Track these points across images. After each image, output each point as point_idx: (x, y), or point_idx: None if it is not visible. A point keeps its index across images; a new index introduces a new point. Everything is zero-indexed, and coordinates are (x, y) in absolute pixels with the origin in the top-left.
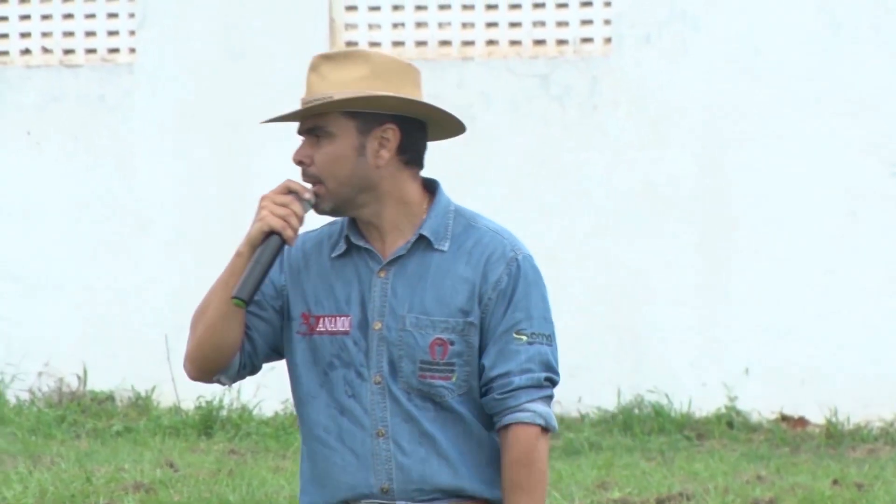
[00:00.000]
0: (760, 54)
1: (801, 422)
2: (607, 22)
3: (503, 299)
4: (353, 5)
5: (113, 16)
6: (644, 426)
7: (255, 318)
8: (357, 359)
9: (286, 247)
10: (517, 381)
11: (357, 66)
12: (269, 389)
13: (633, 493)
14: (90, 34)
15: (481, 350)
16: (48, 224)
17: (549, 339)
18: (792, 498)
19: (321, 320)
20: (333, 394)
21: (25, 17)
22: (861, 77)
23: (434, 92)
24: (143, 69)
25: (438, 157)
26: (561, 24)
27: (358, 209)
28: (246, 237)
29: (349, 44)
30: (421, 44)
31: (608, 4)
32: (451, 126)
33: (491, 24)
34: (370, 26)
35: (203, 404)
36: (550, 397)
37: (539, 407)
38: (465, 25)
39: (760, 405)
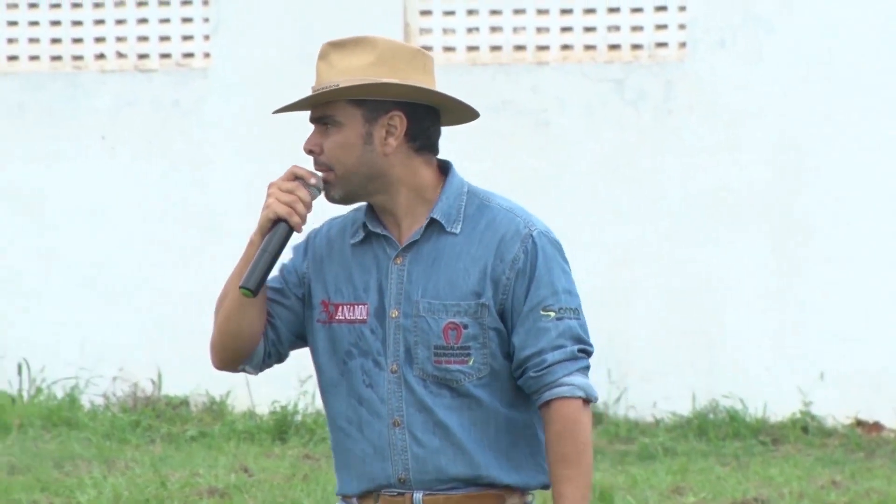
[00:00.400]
0: (834, 58)
1: (876, 427)
2: (682, 27)
3: (523, 277)
4: (428, 10)
5: (187, 20)
6: (719, 431)
7: (277, 305)
8: (374, 347)
9: (313, 234)
10: (550, 357)
11: (363, 53)
12: None
13: (708, 498)
14: (164, 39)
15: (509, 332)
16: (122, 228)
17: (577, 312)
18: (867, 503)
19: (340, 308)
20: (352, 383)
21: (100, 22)
22: None
23: (508, 97)
24: (217, 74)
25: (512, 162)
26: (636, 28)
27: (370, 196)
28: (257, 225)
29: (424, 48)
30: (496, 48)
31: (683, 9)
32: (464, 112)
33: (566, 29)
34: (444, 31)
35: (278, 409)
36: (587, 368)
37: (577, 379)
38: (539, 30)
39: (835, 410)
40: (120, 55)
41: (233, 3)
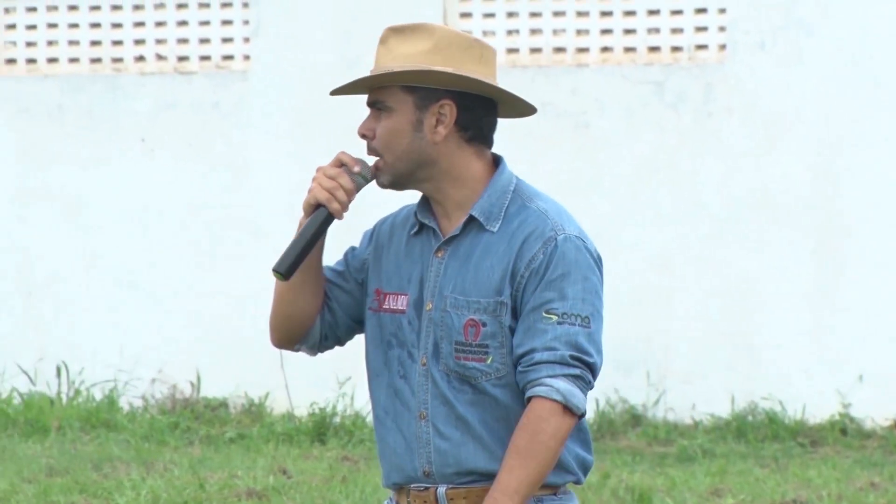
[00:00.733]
0: (874, 60)
1: None
2: (722, 29)
3: (535, 278)
4: (468, 12)
5: (227, 23)
6: (758, 433)
7: (336, 288)
8: (410, 339)
9: (381, 221)
10: (538, 356)
11: (421, 39)
12: None
13: (747, 501)
14: (204, 41)
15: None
16: (162, 231)
17: (586, 320)
18: None
19: (387, 297)
20: (391, 374)
21: (140, 25)
22: None
23: (548, 99)
24: (257, 76)
25: (552, 164)
26: (676, 30)
27: (418, 184)
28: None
29: None
30: (535, 50)
31: (723, 11)
32: (520, 106)
33: (606, 31)
34: (484, 33)
35: (316, 411)
36: (578, 377)
37: (558, 383)
38: (579, 32)
39: (874, 412)
40: (160, 57)
41: (273, 5)
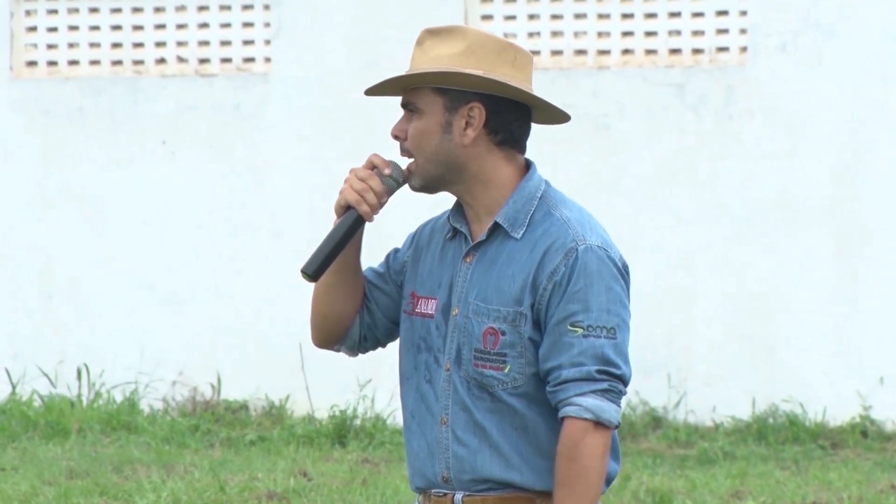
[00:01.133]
0: (895, 62)
1: None
2: (743, 31)
3: (558, 290)
4: (489, 14)
5: (248, 25)
6: (778, 435)
7: (376, 290)
8: (436, 343)
9: (423, 224)
10: (565, 373)
11: (454, 42)
12: None
13: (767, 503)
14: (225, 43)
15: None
16: (182, 233)
17: (612, 332)
18: None
19: (420, 301)
20: (418, 377)
21: (160, 27)
22: None
23: (569, 101)
24: (278, 78)
25: (573, 166)
26: (696, 33)
27: (448, 186)
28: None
29: None
30: (556, 53)
31: (744, 14)
32: (553, 111)
33: (627, 34)
34: (506, 35)
35: (337, 413)
36: (607, 391)
37: (588, 400)
38: (600, 35)
39: (895, 414)
40: (181, 60)
41: (294, 7)
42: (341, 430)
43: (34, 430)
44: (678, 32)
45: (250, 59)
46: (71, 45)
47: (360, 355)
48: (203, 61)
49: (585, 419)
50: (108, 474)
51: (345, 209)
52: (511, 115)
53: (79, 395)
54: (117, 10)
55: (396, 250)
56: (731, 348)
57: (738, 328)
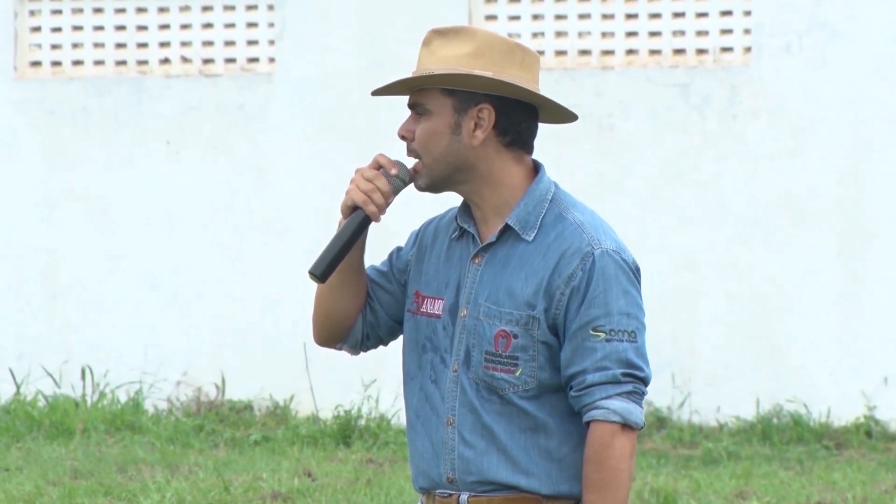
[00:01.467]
0: None
1: None
2: (747, 31)
3: (577, 295)
4: (493, 14)
5: (252, 25)
6: (782, 436)
7: (379, 289)
8: (443, 344)
9: (427, 222)
10: (590, 378)
11: (462, 43)
12: None
13: (772, 503)
14: (229, 44)
15: (561, 347)
16: (187, 233)
17: (632, 335)
18: None
19: (425, 301)
20: (423, 377)
21: (165, 27)
22: None
23: (573, 101)
24: (282, 78)
25: (577, 166)
26: (701, 33)
27: (455, 186)
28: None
29: None
30: (560, 53)
31: (748, 14)
32: (561, 112)
33: (630, 34)
34: (510, 35)
35: (341, 413)
36: (632, 393)
37: (614, 403)
38: (604, 35)
39: None
40: (185, 60)
41: (298, 7)
42: (345, 431)
43: (38, 431)
44: (682, 33)
45: (254, 60)
46: (75, 46)
47: (363, 353)
48: (207, 61)
49: (613, 422)
50: (112, 474)
51: (351, 209)
52: (520, 116)
53: (83, 395)
54: (121, 11)
55: (399, 249)
56: (736, 348)
57: (743, 328)
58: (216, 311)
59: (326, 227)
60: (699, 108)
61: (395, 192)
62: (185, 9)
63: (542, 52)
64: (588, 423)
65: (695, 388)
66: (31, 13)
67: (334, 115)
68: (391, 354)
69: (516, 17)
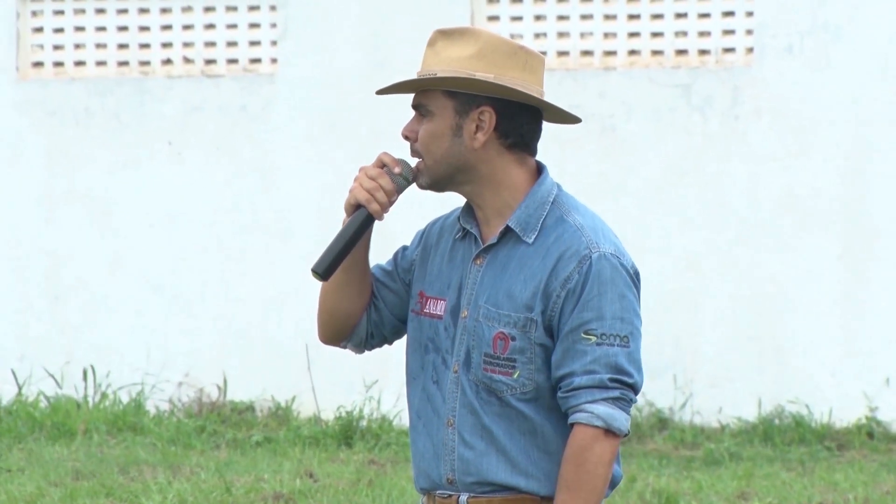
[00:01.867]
0: None
1: None
2: (749, 32)
3: (572, 298)
4: (496, 15)
5: (255, 26)
6: (784, 437)
7: (384, 288)
8: (445, 345)
9: (432, 222)
10: (578, 380)
11: (466, 44)
12: None
13: None
14: (232, 44)
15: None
16: (189, 234)
17: (625, 340)
18: None
19: (429, 301)
20: (425, 378)
21: (167, 28)
22: None
23: (575, 102)
24: (284, 79)
25: (579, 167)
26: (703, 34)
27: (457, 186)
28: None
29: None
30: (563, 53)
31: (750, 14)
32: (565, 114)
33: (633, 35)
34: (512, 36)
35: (343, 414)
36: (618, 399)
37: (599, 408)
38: (606, 35)
39: None
40: (187, 60)
41: (300, 8)
42: (347, 431)
43: (40, 431)
44: (684, 33)
45: (257, 60)
46: (77, 46)
47: (367, 353)
48: (209, 62)
49: (596, 426)
50: (114, 475)
51: (355, 208)
52: (522, 118)
53: (85, 396)
54: (123, 11)
55: (405, 248)
56: (738, 349)
57: (745, 329)
58: (218, 312)
59: (329, 228)
60: (701, 108)
61: (399, 190)
62: (188, 9)
63: (544, 53)
64: (571, 426)
65: (696, 388)
66: (34, 14)
67: (337, 116)
68: (393, 355)
69: (518, 18)
